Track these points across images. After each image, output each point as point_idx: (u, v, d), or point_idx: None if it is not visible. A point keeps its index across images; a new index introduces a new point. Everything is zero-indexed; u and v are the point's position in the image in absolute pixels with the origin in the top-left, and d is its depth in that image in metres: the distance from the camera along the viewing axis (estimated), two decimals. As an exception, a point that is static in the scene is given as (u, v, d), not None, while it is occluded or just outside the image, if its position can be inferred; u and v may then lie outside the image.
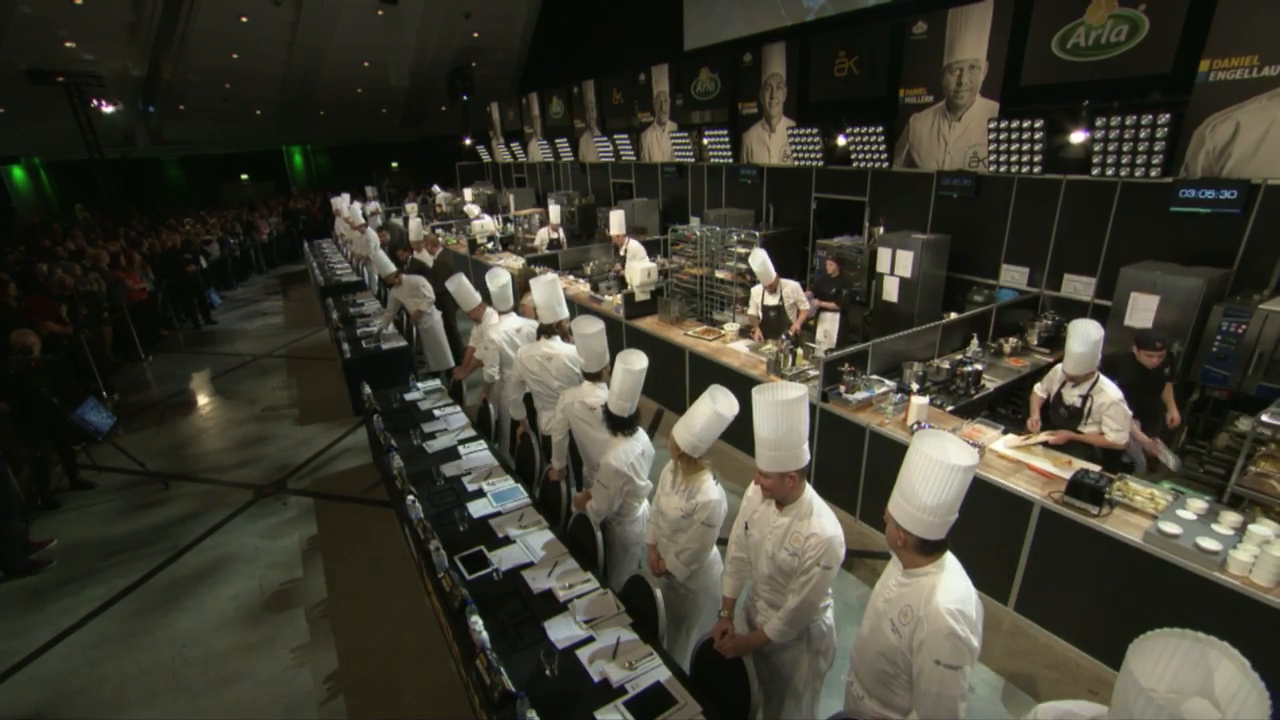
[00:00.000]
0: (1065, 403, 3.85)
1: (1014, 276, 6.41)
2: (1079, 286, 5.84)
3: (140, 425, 6.78)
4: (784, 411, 2.16)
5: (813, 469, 4.78)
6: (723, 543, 2.78)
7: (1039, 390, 4.03)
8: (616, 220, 8.07)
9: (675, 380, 6.02)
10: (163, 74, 15.49)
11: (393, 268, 6.56)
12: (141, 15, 13.50)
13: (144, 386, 8.01)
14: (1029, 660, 3.34)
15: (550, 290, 4.03)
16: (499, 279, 4.57)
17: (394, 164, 25.64)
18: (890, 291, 6.71)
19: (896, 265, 6.62)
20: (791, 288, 5.85)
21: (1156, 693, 1.17)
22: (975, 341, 5.52)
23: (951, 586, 1.79)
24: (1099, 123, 5.17)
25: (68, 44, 13.57)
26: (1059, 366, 3.88)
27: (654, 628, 2.68)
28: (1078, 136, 5.49)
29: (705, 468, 2.70)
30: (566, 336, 4.05)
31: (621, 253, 7.86)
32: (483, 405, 4.75)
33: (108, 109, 15.64)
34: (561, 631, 2.66)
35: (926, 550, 1.83)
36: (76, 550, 4.64)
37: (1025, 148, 5.84)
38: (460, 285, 4.80)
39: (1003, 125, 5.90)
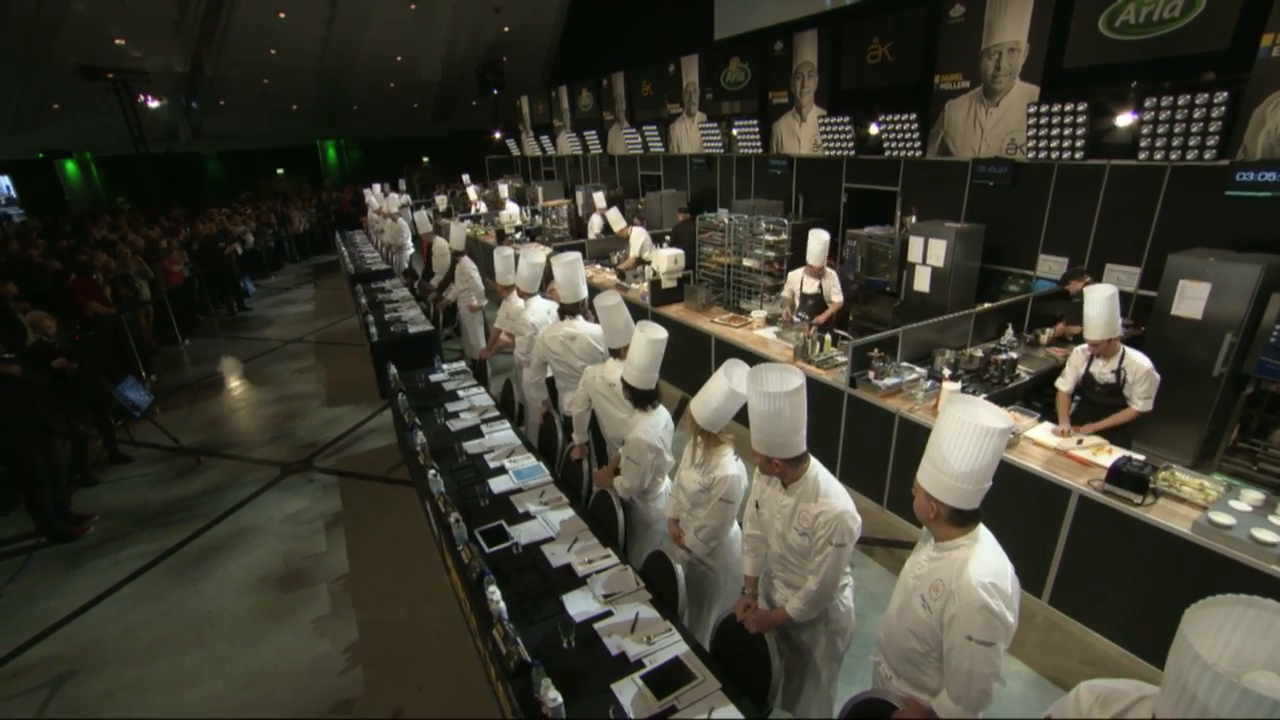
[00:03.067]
0: (1100, 381, 3.68)
1: (1052, 267, 6.18)
2: (1122, 276, 5.59)
3: (176, 404, 6.97)
4: (774, 402, 2.09)
5: (838, 455, 4.67)
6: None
7: (1062, 385, 3.81)
8: (615, 217, 8.08)
9: (700, 367, 5.95)
10: (205, 69, 15.96)
11: (460, 245, 6.73)
12: (185, 12, 13.94)
13: (180, 368, 8.24)
14: (1064, 655, 3.20)
15: (572, 270, 3.99)
16: (533, 258, 4.53)
17: (425, 159, 26.03)
18: (922, 281, 6.53)
19: (929, 255, 6.44)
20: (832, 278, 5.73)
21: (1218, 666, 1.04)
22: (1010, 331, 5.33)
23: (985, 559, 1.70)
24: (1149, 104, 4.94)
25: (117, 41, 14.07)
26: (1078, 349, 3.73)
27: (674, 604, 2.63)
28: (1124, 119, 5.27)
29: (725, 443, 2.64)
30: (588, 316, 4.02)
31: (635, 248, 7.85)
32: (507, 386, 4.75)
33: (153, 104, 16.18)
34: (580, 605, 2.63)
35: (959, 521, 1.75)
36: (113, 518, 4.78)
37: (1067, 133, 5.62)
38: (503, 257, 4.81)
39: (1043, 110, 5.69)
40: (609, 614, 2.59)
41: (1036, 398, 5.11)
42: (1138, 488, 2.93)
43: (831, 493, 2.15)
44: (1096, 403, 3.69)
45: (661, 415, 3.01)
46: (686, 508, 2.72)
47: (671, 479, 3.07)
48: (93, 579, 4.11)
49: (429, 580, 3.86)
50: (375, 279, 9.33)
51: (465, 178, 15.88)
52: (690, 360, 6.07)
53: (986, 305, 5.65)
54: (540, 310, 4.62)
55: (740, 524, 2.71)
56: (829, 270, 5.73)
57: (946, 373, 4.31)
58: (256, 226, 13.41)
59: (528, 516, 3.27)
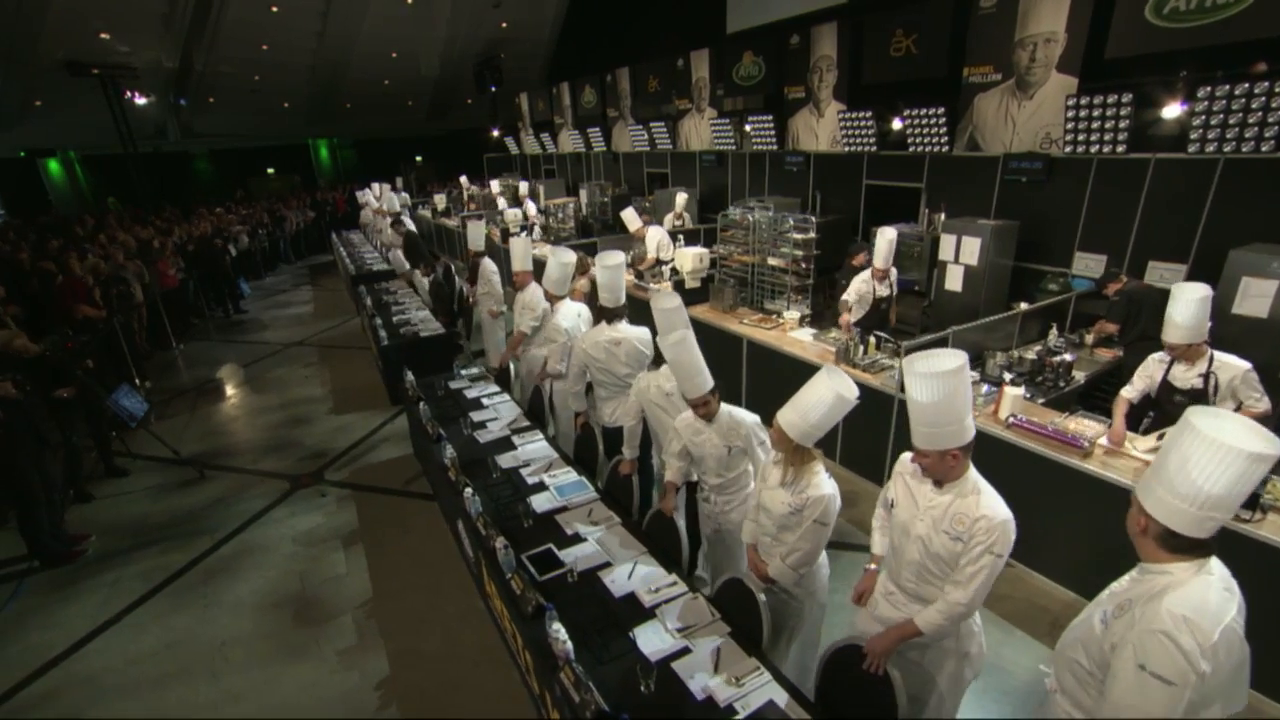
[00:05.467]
0: (1181, 388, 3.44)
1: (1089, 264, 5.98)
2: (1166, 274, 5.40)
3: (173, 412, 6.62)
4: (941, 383, 1.89)
5: (887, 463, 4.43)
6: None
7: (1127, 393, 3.57)
8: (630, 216, 7.81)
9: (731, 371, 5.69)
10: (194, 65, 15.50)
11: (481, 244, 6.37)
12: (175, 5, 13.48)
13: (175, 374, 7.88)
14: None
15: (616, 274, 3.73)
16: (563, 257, 4.26)
17: (418, 158, 25.60)
18: (954, 281, 6.31)
19: (962, 253, 6.22)
20: (893, 277, 5.51)
21: None
22: (1055, 331, 5.12)
23: (1196, 593, 1.41)
24: (1201, 94, 4.76)
25: (103, 35, 13.58)
26: (1152, 357, 3.49)
27: (758, 639, 2.37)
28: (1172, 111, 5.08)
29: (816, 458, 2.39)
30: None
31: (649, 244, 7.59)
32: (535, 393, 4.47)
33: (140, 100, 15.66)
34: (653, 641, 2.36)
35: (1172, 546, 1.47)
36: (111, 539, 4.45)
37: (1109, 125, 5.43)
38: (520, 244, 4.55)
39: (1084, 102, 5.50)
40: (686, 650, 2.33)
41: (1082, 402, 4.92)
42: (1247, 503, 2.70)
43: (992, 495, 1.97)
44: (1174, 415, 3.44)
45: None
46: (772, 532, 2.47)
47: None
48: (91, 606, 3.78)
49: (462, 604, 3.57)
50: (378, 279, 9.01)
51: (463, 179, 15.50)
52: (721, 365, 5.78)
53: (1029, 305, 5.45)
54: (571, 314, 4.34)
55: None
56: (892, 270, 5.49)
57: (1007, 377, 4.08)
58: (251, 227, 13.00)
59: (577, 539, 3.00)
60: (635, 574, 2.73)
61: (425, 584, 3.77)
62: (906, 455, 2.18)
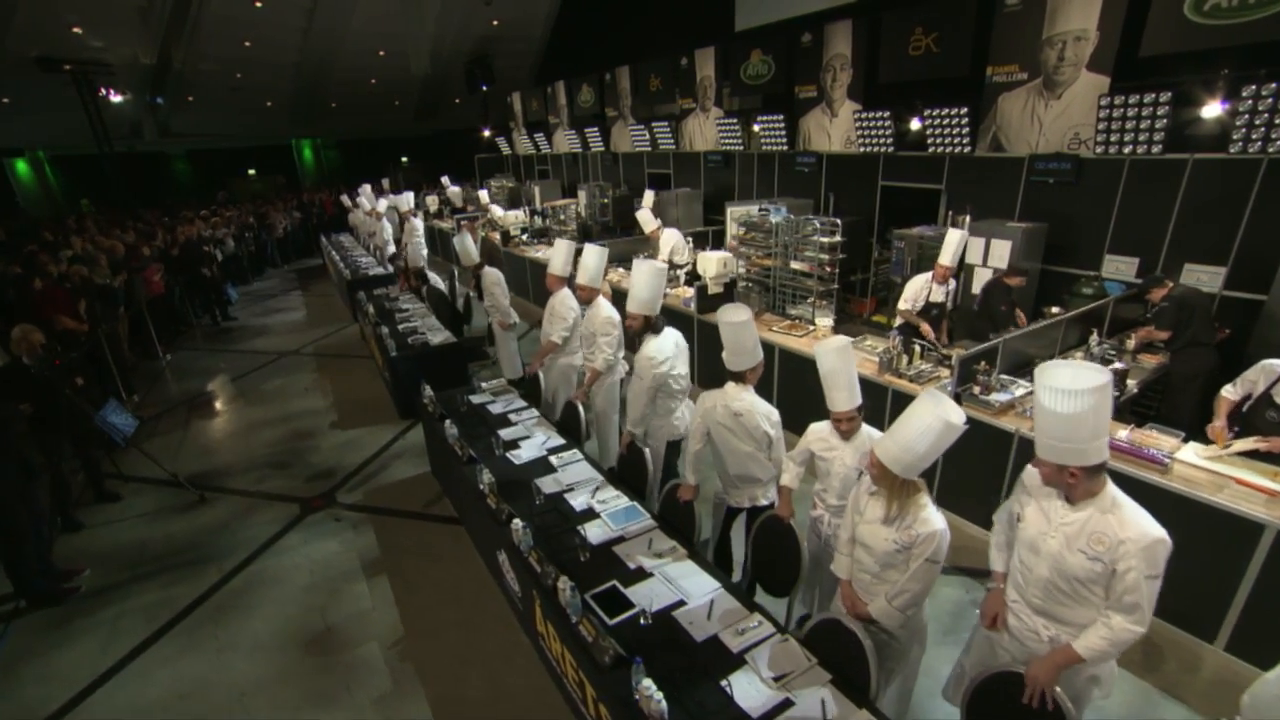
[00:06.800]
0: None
1: (1119, 267, 5.87)
2: (1203, 276, 5.30)
3: (165, 429, 6.22)
4: (1080, 400, 1.76)
5: (936, 477, 4.24)
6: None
7: (1229, 393, 3.46)
8: (645, 217, 7.55)
9: (763, 384, 5.46)
10: (173, 62, 14.91)
11: (476, 255, 5.89)
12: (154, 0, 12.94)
13: (164, 386, 7.45)
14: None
15: (657, 280, 3.47)
16: (594, 255, 3.99)
17: (404, 159, 25.08)
18: (981, 284, 6.16)
19: (990, 256, 6.09)
20: (952, 285, 5.31)
21: None
22: (1096, 337, 4.99)
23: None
24: (1245, 93, 4.64)
25: (75, 30, 12.98)
26: (1260, 365, 3.34)
27: (861, 685, 2.14)
28: (1212, 110, 4.97)
29: (921, 489, 2.18)
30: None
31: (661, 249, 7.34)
32: (568, 408, 4.19)
33: (116, 98, 15.03)
34: (750, 694, 2.13)
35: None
36: (107, 571, 4.08)
37: (1145, 125, 5.31)
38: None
39: (1117, 101, 5.38)
40: (788, 704, 2.10)
41: (1139, 407, 4.79)
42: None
43: (1134, 511, 1.85)
44: (1265, 432, 3.28)
45: None
46: (873, 570, 2.24)
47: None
48: (90, 650, 3.44)
49: (504, 640, 3.30)
50: (375, 285, 8.66)
51: (445, 179, 15.04)
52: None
53: (1060, 310, 5.33)
54: (612, 309, 4.10)
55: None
56: (951, 280, 5.27)
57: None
58: (237, 230, 12.51)
59: (642, 574, 2.75)
60: (714, 613, 2.48)
61: (460, 618, 3.49)
62: (1032, 468, 2.03)
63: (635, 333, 3.46)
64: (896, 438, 2.13)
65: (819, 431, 2.74)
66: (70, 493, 4.67)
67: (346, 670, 3.20)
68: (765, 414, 2.88)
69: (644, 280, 3.47)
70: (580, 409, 3.98)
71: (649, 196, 8.98)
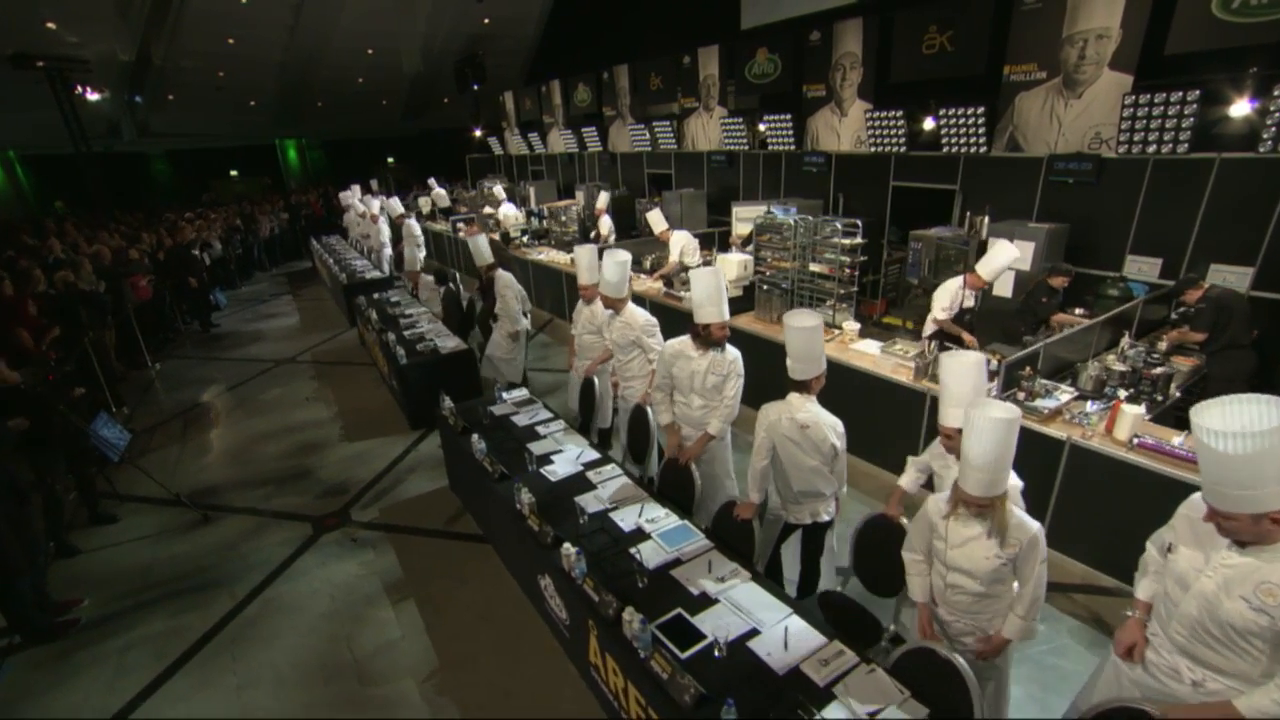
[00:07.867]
0: None
1: (1141, 268, 5.82)
2: (1230, 277, 5.26)
3: (159, 444, 5.91)
4: (1264, 440, 1.57)
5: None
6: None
7: None
8: (656, 219, 7.38)
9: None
10: (153, 59, 14.42)
11: (489, 255, 5.63)
12: (133, -6, 12.49)
13: (154, 397, 7.12)
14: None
15: (715, 282, 3.28)
16: (618, 256, 3.80)
17: (390, 159, 24.66)
18: (1003, 286, 6.08)
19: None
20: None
21: None
22: (1127, 339, 4.91)
23: None
24: (1276, 91, 4.60)
25: (49, 25, 12.48)
26: None
27: (963, 717, 1.99)
28: (1240, 109, 4.93)
29: (1006, 498, 2.05)
30: None
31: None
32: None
33: (93, 96, 14.49)
34: (849, 737, 1.96)
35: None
36: (108, 600, 3.82)
37: (1170, 124, 5.25)
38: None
39: (1141, 100, 5.32)
40: (889, 746, 1.94)
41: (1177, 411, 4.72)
42: None
43: None
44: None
45: None
46: (977, 591, 2.11)
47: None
48: (96, 689, 3.18)
49: (549, 670, 3.10)
50: (374, 289, 8.39)
51: (431, 181, 14.69)
52: (777, 379, 5.42)
53: (1079, 311, 5.27)
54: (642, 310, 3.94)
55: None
56: None
57: (1123, 394, 3.81)
58: (223, 232, 12.11)
59: (706, 600, 2.57)
60: (790, 641, 2.32)
61: (498, 646, 3.28)
62: (1196, 497, 1.85)
63: (715, 341, 3.29)
64: (973, 462, 1.99)
65: (935, 449, 2.70)
66: (64, 515, 4.37)
67: (381, 707, 2.99)
68: (831, 425, 2.74)
69: (706, 285, 3.27)
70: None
71: (659, 211, 8.56)
